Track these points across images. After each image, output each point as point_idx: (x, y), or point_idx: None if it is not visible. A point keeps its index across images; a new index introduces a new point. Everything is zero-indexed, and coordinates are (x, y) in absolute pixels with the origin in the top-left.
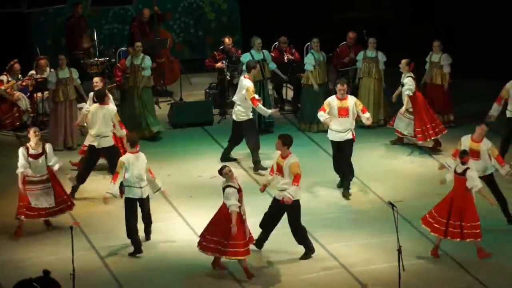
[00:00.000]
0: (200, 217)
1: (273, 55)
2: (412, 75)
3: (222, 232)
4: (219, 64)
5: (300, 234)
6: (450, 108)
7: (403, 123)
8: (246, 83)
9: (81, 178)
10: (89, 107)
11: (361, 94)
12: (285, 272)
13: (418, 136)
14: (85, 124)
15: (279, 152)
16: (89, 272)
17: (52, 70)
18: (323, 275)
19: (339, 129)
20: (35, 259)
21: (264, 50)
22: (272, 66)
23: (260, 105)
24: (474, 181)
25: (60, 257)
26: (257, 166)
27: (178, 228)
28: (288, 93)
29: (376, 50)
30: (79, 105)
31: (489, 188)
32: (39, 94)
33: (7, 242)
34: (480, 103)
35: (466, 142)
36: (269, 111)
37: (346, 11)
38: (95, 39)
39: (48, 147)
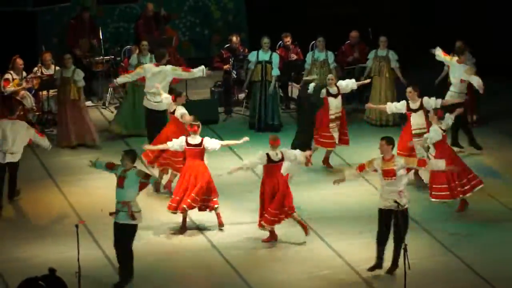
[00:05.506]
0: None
1: (278, 52)
2: None
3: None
4: (226, 66)
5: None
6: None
7: None
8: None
9: None
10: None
11: (372, 93)
12: (290, 269)
13: None
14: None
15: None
16: (95, 270)
17: (58, 68)
18: (328, 273)
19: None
20: (41, 257)
21: (274, 54)
22: (275, 72)
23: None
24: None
25: (66, 255)
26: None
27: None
28: (294, 91)
29: (387, 48)
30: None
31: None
32: (45, 92)
33: (13, 240)
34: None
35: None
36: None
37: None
38: (101, 37)
39: None
